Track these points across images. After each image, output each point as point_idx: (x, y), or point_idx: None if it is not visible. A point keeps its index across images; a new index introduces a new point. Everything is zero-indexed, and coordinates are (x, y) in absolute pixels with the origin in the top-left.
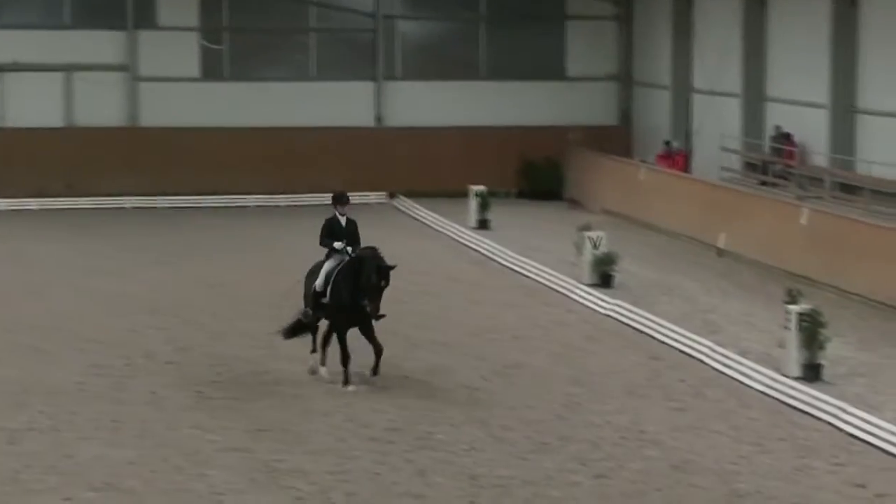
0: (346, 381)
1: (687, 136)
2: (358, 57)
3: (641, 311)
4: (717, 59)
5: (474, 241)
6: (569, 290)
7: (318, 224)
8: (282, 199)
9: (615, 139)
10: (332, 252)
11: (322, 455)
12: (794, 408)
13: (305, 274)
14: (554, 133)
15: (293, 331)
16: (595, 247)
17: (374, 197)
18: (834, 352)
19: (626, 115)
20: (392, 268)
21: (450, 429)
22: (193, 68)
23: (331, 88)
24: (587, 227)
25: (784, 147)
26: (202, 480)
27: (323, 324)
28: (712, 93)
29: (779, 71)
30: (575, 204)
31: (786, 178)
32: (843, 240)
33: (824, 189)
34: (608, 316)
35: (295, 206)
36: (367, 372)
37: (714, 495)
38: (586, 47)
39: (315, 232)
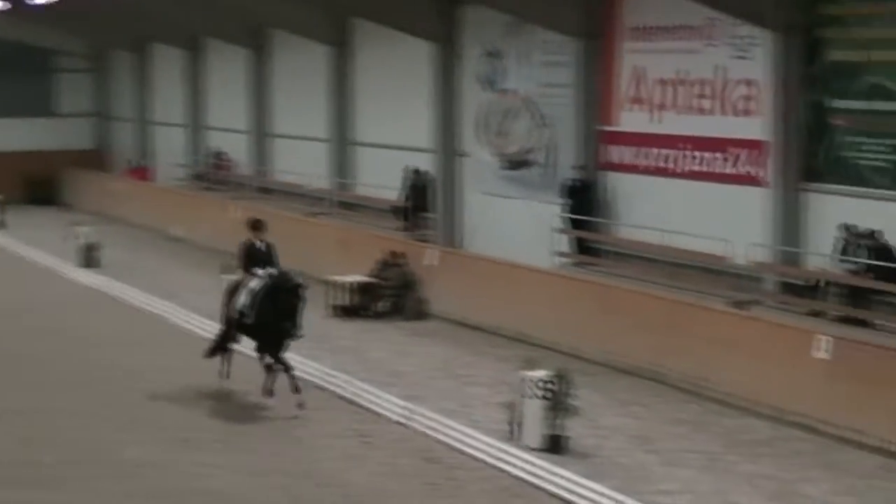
0: (296, 387)
1: (146, 156)
2: None
3: (120, 282)
4: (166, 99)
5: None
6: (62, 270)
7: None
8: None
9: (96, 160)
10: (251, 276)
11: None
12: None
13: (226, 290)
14: (50, 155)
15: (215, 350)
16: (82, 238)
17: None
18: None
19: (103, 142)
20: (302, 286)
21: None
22: None
23: None
24: (77, 224)
25: (220, 161)
26: None
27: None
28: (166, 123)
29: (214, 105)
30: (68, 207)
31: (222, 184)
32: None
33: (248, 191)
34: (92, 287)
35: None
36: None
37: None
38: (72, 91)
39: None
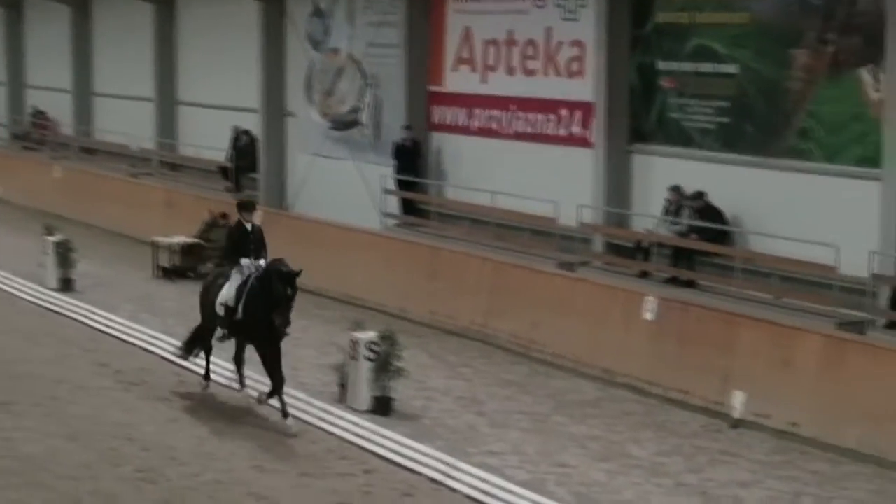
0: (284, 411)
1: None
2: None
3: None
4: None
5: None
6: None
7: None
8: None
9: None
10: (236, 266)
11: None
12: (55, 312)
13: (204, 283)
14: None
15: (192, 344)
16: None
17: None
18: (83, 269)
19: None
20: (296, 273)
21: None
22: None
23: None
24: None
25: (40, 121)
26: None
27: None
28: None
29: (35, 64)
30: None
31: (43, 144)
32: (87, 187)
33: (71, 151)
34: None
35: None
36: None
37: None
38: None
39: None
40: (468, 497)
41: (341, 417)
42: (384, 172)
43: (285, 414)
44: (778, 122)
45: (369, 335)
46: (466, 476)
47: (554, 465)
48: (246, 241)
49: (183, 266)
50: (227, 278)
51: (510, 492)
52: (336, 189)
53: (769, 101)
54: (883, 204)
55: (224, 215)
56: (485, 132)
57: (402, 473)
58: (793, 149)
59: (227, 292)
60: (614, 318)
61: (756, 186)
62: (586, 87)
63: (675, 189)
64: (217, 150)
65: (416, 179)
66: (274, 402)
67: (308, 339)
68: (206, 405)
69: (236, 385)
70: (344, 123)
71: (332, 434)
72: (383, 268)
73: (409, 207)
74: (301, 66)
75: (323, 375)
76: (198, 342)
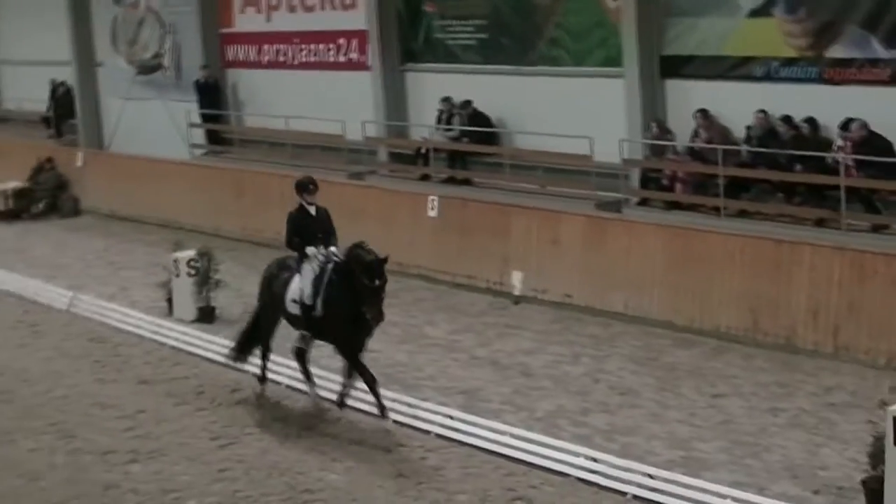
0: (382, 409)
1: None
2: None
3: None
4: None
5: None
6: None
7: None
8: None
9: None
10: (303, 256)
11: None
12: None
13: (264, 276)
14: None
15: (246, 344)
16: None
17: None
18: None
19: None
20: (384, 260)
21: None
22: None
23: None
24: None
25: None
26: None
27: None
28: None
29: None
30: None
31: None
32: None
33: None
34: None
35: None
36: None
37: None
38: None
39: None
40: (288, 387)
41: (172, 329)
42: (189, 108)
43: (383, 411)
44: (531, 34)
45: (189, 253)
46: (285, 369)
47: None
48: (310, 228)
49: (16, 209)
50: (292, 271)
51: (327, 378)
52: (147, 127)
53: (521, 16)
54: (627, 98)
55: (49, 160)
56: (274, 65)
57: (230, 373)
58: (545, 56)
59: (299, 287)
60: (402, 218)
61: (516, 92)
62: (360, 18)
63: (446, 100)
64: (39, 101)
65: (218, 112)
66: (354, 401)
67: (134, 261)
68: (46, 333)
69: (304, 386)
70: (149, 68)
71: (164, 345)
72: (196, 193)
73: (213, 137)
74: (106, 21)
75: (151, 293)
76: (253, 342)
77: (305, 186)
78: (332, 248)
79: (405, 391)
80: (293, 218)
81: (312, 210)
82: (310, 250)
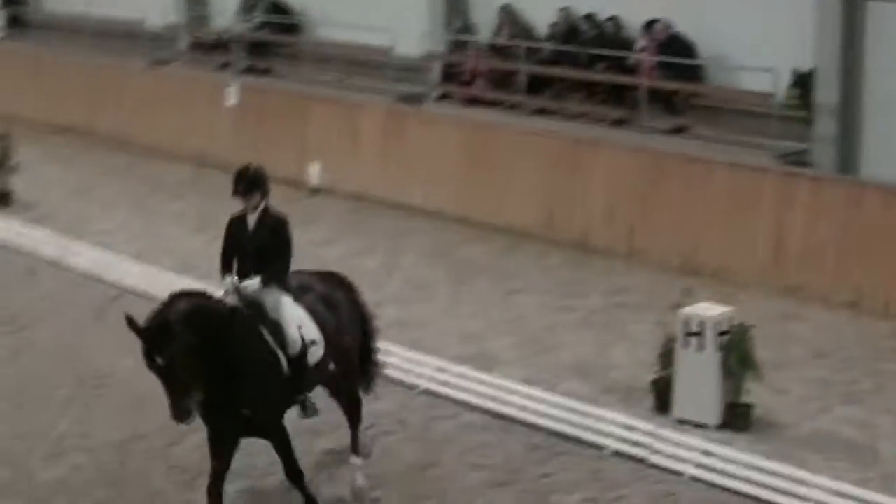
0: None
1: None
2: None
3: None
4: None
5: None
6: None
7: None
8: None
9: None
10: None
11: None
12: None
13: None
14: None
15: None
16: None
17: None
18: None
19: None
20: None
21: None
22: None
23: None
24: None
25: None
26: None
27: None
28: None
29: None
30: None
31: None
32: None
33: None
34: None
35: None
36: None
37: None
38: None
39: None
40: (83, 273)
41: None
42: None
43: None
44: None
45: None
46: (86, 251)
47: (157, 237)
48: (241, 245)
49: None
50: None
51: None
52: None
53: None
54: None
55: None
56: None
57: (24, 257)
58: None
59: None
60: (201, 106)
61: None
62: None
63: None
64: None
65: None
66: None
67: None
68: None
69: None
70: None
71: None
72: None
73: (13, 22)
74: None
75: None
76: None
77: (234, 186)
78: (251, 282)
79: (197, 280)
80: (226, 226)
81: (251, 221)
82: (225, 281)
